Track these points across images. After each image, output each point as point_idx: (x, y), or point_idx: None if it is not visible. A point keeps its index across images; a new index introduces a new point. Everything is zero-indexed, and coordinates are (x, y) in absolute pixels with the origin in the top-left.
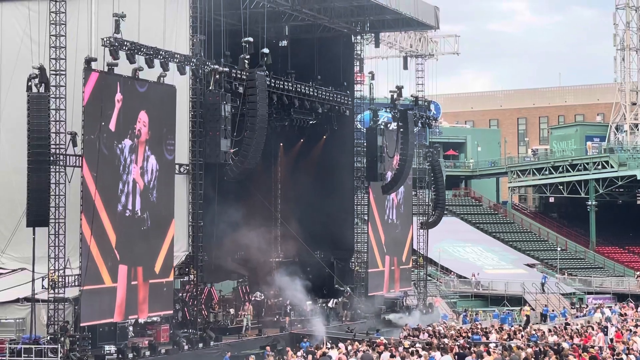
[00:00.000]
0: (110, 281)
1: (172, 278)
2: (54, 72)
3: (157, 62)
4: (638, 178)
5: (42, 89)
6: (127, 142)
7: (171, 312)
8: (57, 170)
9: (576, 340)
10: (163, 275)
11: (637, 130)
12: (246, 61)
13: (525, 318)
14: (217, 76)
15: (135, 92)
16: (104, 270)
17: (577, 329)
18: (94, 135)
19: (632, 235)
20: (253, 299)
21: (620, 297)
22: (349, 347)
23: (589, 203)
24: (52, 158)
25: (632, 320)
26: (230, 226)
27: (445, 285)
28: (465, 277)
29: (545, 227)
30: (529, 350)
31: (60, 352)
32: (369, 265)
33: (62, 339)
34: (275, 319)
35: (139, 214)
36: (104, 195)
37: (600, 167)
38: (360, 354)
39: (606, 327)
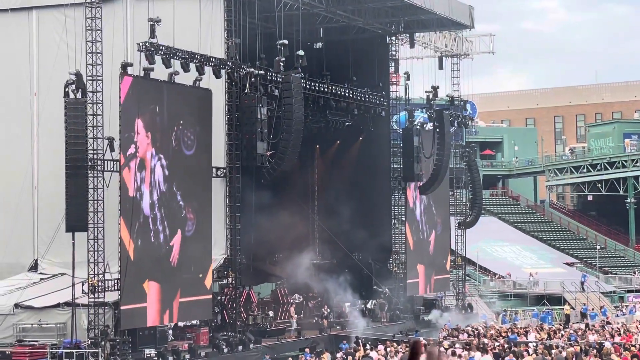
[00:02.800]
0: (147, 299)
1: (210, 296)
2: (90, 78)
3: (192, 66)
4: None
5: (79, 95)
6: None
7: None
8: (95, 175)
9: (617, 339)
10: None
11: None
12: (281, 64)
13: (565, 317)
14: (253, 79)
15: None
16: (142, 288)
17: (617, 327)
18: (130, 139)
19: None
20: (292, 301)
21: None
22: (388, 349)
23: (628, 201)
24: (89, 163)
25: None
26: (267, 229)
27: (484, 284)
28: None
29: (584, 225)
30: (570, 349)
31: (101, 356)
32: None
33: (103, 343)
34: (314, 320)
35: (168, 230)
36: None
37: (638, 164)
38: (400, 355)
39: None
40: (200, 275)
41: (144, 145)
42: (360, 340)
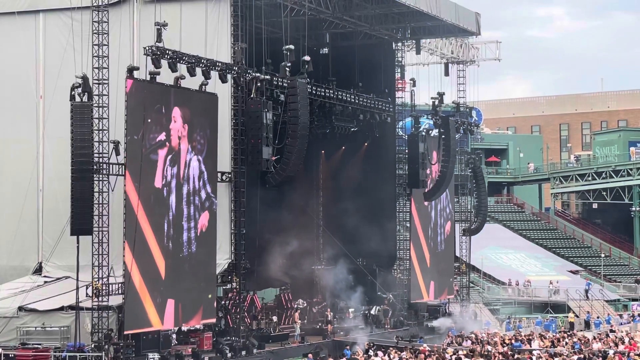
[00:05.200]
0: (159, 322)
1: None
2: (96, 81)
3: (198, 70)
4: None
5: (85, 98)
6: (165, 149)
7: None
8: (101, 179)
9: (621, 348)
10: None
11: None
12: (287, 69)
13: (569, 325)
14: (259, 84)
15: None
16: (150, 309)
17: (622, 336)
18: (136, 144)
19: None
20: (296, 306)
21: None
22: (391, 355)
23: (633, 209)
24: (95, 167)
25: None
26: (272, 234)
27: (488, 292)
28: (504, 284)
29: (589, 233)
30: (574, 357)
31: (105, 359)
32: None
33: (106, 346)
34: (318, 326)
35: (186, 240)
36: (150, 215)
37: None
38: None
39: None
40: (210, 296)
41: (178, 134)
42: (365, 346)
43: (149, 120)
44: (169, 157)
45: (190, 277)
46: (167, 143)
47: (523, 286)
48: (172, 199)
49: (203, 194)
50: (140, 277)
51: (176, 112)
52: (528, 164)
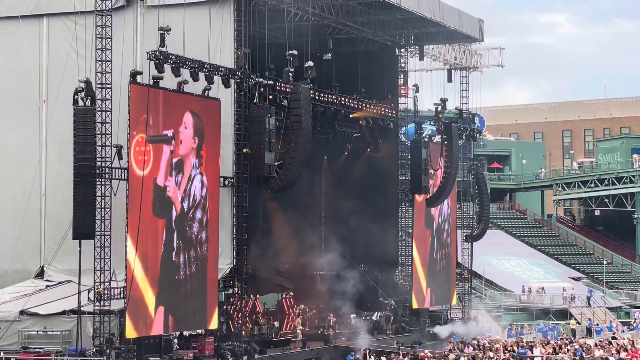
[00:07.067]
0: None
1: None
2: (100, 86)
3: (202, 75)
4: None
5: (88, 103)
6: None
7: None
8: (103, 183)
9: (623, 355)
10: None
11: None
12: (290, 74)
13: (571, 332)
14: (262, 89)
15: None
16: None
17: (624, 343)
18: (138, 149)
19: None
20: (298, 311)
21: None
22: None
23: (635, 216)
24: (97, 171)
25: None
26: (274, 239)
27: (490, 298)
28: (511, 291)
29: (591, 240)
30: None
31: None
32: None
33: (108, 351)
34: (320, 332)
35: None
36: (149, 222)
37: None
38: None
39: None
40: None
41: (187, 145)
42: (367, 352)
43: (155, 125)
44: (174, 160)
45: (190, 295)
46: (172, 141)
47: (536, 293)
48: (172, 212)
49: (199, 213)
50: (139, 287)
51: (187, 119)
52: (539, 169)
